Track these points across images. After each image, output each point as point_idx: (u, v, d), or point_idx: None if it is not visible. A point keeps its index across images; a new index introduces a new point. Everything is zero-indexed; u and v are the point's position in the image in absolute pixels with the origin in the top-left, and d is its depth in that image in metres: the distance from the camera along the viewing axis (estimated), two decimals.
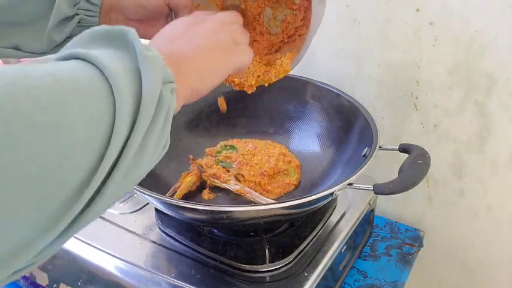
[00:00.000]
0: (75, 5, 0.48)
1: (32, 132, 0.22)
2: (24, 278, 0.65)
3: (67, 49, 0.29)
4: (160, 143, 0.30)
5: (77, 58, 0.27)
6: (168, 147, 0.32)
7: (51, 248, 0.25)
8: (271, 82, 0.53)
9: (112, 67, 0.27)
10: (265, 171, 0.66)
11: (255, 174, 0.66)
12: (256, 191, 0.64)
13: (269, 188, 0.66)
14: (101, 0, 0.49)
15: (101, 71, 0.26)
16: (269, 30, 0.56)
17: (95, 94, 0.25)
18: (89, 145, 0.24)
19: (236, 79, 0.53)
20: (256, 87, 0.54)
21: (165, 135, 0.31)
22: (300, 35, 0.55)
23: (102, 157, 0.25)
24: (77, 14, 0.48)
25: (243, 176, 0.66)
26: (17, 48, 0.48)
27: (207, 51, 0.39)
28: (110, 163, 0.25)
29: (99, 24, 0.51)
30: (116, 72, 0.27)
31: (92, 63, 0.27)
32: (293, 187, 0.68)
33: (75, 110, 0.24)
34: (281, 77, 0.52)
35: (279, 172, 0.68)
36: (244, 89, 0.53)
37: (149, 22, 0.53)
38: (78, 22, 0.49)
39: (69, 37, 0.49)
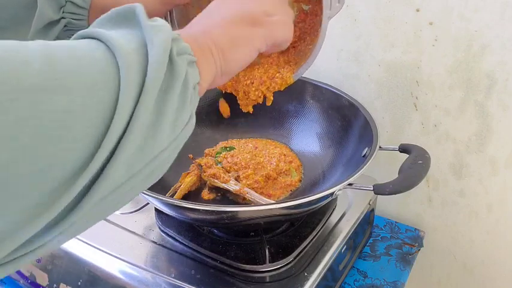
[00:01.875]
0: (60, 8, 0.45)
1: (21, 95, 0.20)
2: (24, 278, 0.65)
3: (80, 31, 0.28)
4: (181, 118, 0.28)
5: (82, 37, 0.27)
6: (194, 124, 0.29)
7: (42, 241, 0.22)
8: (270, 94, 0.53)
9: (115, 39, 0.25)
10: (266, 177, 0.66)
11: (257, 180, 0.65)
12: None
13: (271, 192, 0.65)
14: (89, 4, 0.46)
15: (105, 44, 0.25)
16: None
17: (96, 62, 0.24)
18: (89, 115, 0.22)
19: (230, 88, 0.53)
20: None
21: (186, 109, 0.28)
22: (294, 47, 0.55)
23: (106, 130, 0.23)
24: (63, 18, 0.46)
25: (245, 177, 0.66)
26: None
27: (228, 23, 0.35)
28: (116, 137, 0.23)
29: (87, 26, 0.48)
30: (119, 43, 0.25)
31: (96, 38, 0.26)
32: (294, 188, 0.68)
33: (73, 76, 0.22)
34: (283, 89, 0.52)
35: (280, 173, 0.68)
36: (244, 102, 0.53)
37: None
38: (65, 26, 0.46)
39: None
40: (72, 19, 0.46)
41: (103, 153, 0.23)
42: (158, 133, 0.26)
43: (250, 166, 0.66)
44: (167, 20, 0.53)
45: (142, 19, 0.27)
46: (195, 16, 0.53)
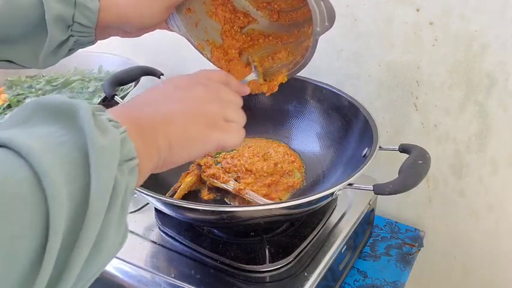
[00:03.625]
0: (68, 27, 0.46)
1: None
2: None
3: (1, 129, 0.25)
4: (118, 237, 0.26)
5: (4, 146, 0.23)
6: (127, 235, 0.28)
7: None
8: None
9: (46, 162, 0.22)
10: (268, 185, 0.65)
11: (258, 188, 0.65)
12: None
13: (273, 195, 0.65)
14: (95, 23, 0.47)
15: (32, 169, 0.22)
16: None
17: (19, 204, 0.21)
18: (6, 274, 0.20)
19: None
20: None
21: (123, 225, 0.27)
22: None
23: (30, 284, 0.21)
24: (72, 36, 0.47)
25: (246, 185, 0.65)
26: (10, 61, 0.47)
27: (186, 119, 0.34)
28: (48, 276, 0.22)
29: (95, 41, 0.50)
30: (50, 169, 0.22)
31: (22, 156, 0.22)
32: (296, 189, 0.67)
33: None
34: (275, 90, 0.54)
35: (283, 174, 0.68)
36: None
37: (149, 29, 0.53)
38: (74, 42, 0.48)
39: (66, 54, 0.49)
40: (80, 37, 0.48)
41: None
42: (94, 264, 0.25)
43: (253, 171, 0.66)
44: (171, 24, 0.53)
45: (88, 132, 0.24)
46: (196, 17, 0.53)
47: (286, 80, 0.53)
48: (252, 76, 0.52)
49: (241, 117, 0.41)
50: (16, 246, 0.21)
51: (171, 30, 0.55)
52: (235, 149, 0.71)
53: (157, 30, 0.54)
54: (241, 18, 0.58)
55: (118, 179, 0.25)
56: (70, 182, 0.23)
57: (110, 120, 0.27)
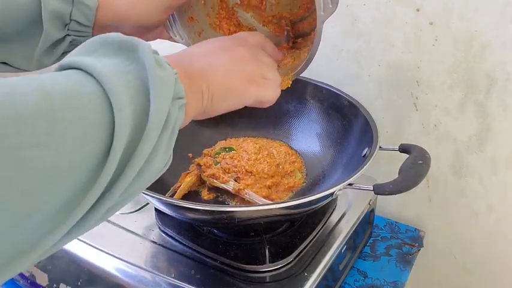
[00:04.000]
0: (65, 26, 0.46)
1: (7, 154, 0.21)
2: (24, 278, 0.65)
3: (72, 56, 0.28)
4: (164, 160, 0.30)
5: (78, 68, 0.26)
6: (170, 163, 0.31)
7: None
8: None
9: (114, 82, 0.25)
10: (268, 187, 0.65)
11: (261, 186, 0.65)
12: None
13: (273, 196, 0.65)
14: (92, 21, 0.47)
15: (101, 86, 0.25)
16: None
17: (89, 112, 0.24)
18: (77, 167, 0.23)
19: None
20: None
21: (169, 152, 0.30)
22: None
23: (95, 178, 0.24)
24: (68, 35, 0.47)
25: (246, 186, 0.65)
26: (5, 64, 0.47)
27: (229, 72, 0.38)
28: (103, 186, 0.25)
29: None
30: (117, 88, 0.25)
31: (92, 76, 0.26)
32: (297, 189, 0.67)
33: (62, 129, 0.23)
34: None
35: (285, 175, 0.68)
36: None
37: (148, 30, 0.53)
38: (70, 42, 0.47)
39: (61, 56, 0.49)
40: (77, 36, 0.48)
41: (94, 194, 0.24)
42: (141, 179, 0.28)
43: (253, 172, 0.66)
44: (173, 33, 0.53)
45: (148, 64, 0.27)
46: (197, 15, 0.53)
47: (294, 78, 0.53)
48: None
49: (276, 76, 0.44)
50: (86, 147, 0.24)
51: (174, 40, 0.54)
52: (234, 150, 0.71)
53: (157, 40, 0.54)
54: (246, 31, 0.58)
55: (170, 111, 0.28)
56: (133, 102, 0.26)
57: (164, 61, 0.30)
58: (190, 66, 0.35)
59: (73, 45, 0.48)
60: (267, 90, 0.41)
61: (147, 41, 0.50)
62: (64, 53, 0.48)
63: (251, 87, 0.40)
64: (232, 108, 0.39)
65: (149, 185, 0.30)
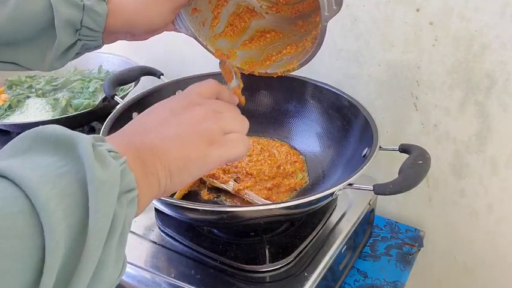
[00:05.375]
0: (76, 31, 0.47)
1: None
2: None
3: (0, 157, 0.25)
4: (116, 269, 0.26)
5: (3, 176, 0.23)
6: (125, 268, 0.28)
7: None
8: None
9: (44, 195, 0.22)
10: (269, 189, 0.65)
11: (261, 188, 0.65)
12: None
13: (274, 198, 0.65)
14: (102, 27, 0.47)
15: (29, 200, 0.22)
16: None
17: (14, 239, 0.21)
18: None
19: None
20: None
21: (121, 258, 0.27)
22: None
23: None
24: (79, 40, 0.47)
25: (246, 188, 0.65)
26: (15, 64, 0.47)
27: (183, 142, 0.34)
28: None
29: (101, 45, 0.50)
30: (48, 203, 0.22)
31: (19, 187, 0.22)
32: (298, 189, 0.67)
33: None
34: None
35: (285, 176, 0.68)
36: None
37: (157, 30, 0.53)
38: (82, 46, 0.48)
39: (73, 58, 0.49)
40: (87, 41, 0.48)
41: None
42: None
43: (253, 174, 0.65)
44: (178, 25, 0.53)
45: (88, 165, 0.24)
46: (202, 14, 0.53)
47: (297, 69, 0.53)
48: (233, 83, 0.52)
49: (240, 126, 0.40)
50: (9, 282, 0.20)
51: (179, 31, 0.55)
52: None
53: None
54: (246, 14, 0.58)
55: (117, 212, 0.25)
56: (68, 215, 0.23)
57: (109, 151, 0.27)
58: (142, 144, 0.32)
59: (84, 48, 0.49)
60: (231, 149, 0.37)
61: (154, 35, 0.50)
62: (77, 54, 0.49)
63: (213, 150, 0.35)
64: (197, 177, 0.36)
65: None
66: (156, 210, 0.65)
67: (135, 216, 0.29)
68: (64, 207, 0.23)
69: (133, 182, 0.28)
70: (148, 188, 0.31)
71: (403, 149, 0.57)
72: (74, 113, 0.87)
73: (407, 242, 0.75)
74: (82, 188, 0.24)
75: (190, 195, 0.66)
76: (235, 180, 0.65)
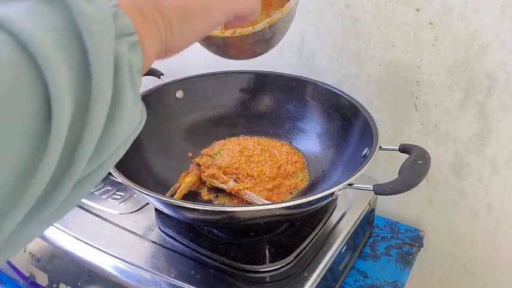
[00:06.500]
0: None
1: None
2: (24, 278, 0.65)
3: None
4: (136, 108, 0.25)
5: None
6: (145, 117, 0.26)
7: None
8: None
9: (24, 27, 0.20)
10: (270, 190, 0.65)
11: (261, 189, 0.65)
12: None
13: (274, 198, 0.65)
14: None
15: (12, 35, 0.20)
16: None
17: (5, 66, 0.19)
18: (14, 133, 0.19)
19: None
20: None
21: (138, 99, 0.25)
22: None
23: (42, 148, 0.20)
24: None
25: (246, 189, 0.65)
26: None
27: None
28: (55, 155, 0.20)
29: None
30: (31, 34, 0.19)
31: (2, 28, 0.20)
32: (299, 189, 0.67)
33: None
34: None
35: (286, 176, 0.68)
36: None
37: None
38: None
39: None
40: None
41: (48, 164, 0.20)
42: (115, 132, 0.23)
43: (254, 176, 0.65)
44: None
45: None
46: None
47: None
48: None
49: None
50: (20, 106, 0.19)
51: None
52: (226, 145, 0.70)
53: None
54: None
55: (118, 51, 0.23)
56: (62, 48, 0.20)
57: None
58: None
59: None
60: (238, 1, 0.32)
61: None
62: None
63: (216, 0, 0.31)
64: (201, 34, 0.31)
65: (125, 149, 0.25)
66: (156, 210, 0.65)
67: (144, 68, 0.26)
68: (53, 40, 0.20)
69: (130, 26, 0.25)
70: (150, 36, 0.27)
71: (403, 149, 0.57)
72: None
73: (407, 242, 0.75)
74: (71, 25, 0.21)
75: (190, 195, 0.66)
76: (235, 181, 0.65)
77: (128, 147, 0.26)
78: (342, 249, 0.61)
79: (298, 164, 0.70)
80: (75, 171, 0.21)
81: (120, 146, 0.24)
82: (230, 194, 0.65)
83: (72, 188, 0.22)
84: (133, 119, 0.25)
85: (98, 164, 0.23)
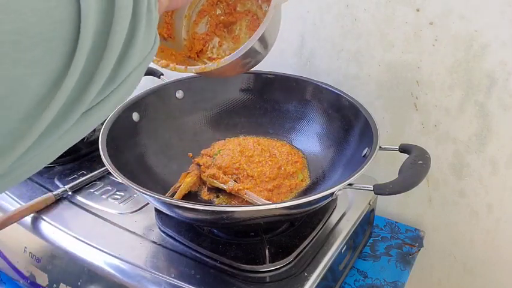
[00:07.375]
0: None
1: None
2: (24, 278, 0.65)
3: None
4: (149, 37, 0.27)
5: None
6: (158, 44, 0.28)
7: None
8: None
9: None
10: (270, 190, 0.65)
11: (261, 189, 0.65)
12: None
13: (274, 199, 0.65)
14: None
15: None
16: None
17: None
18: (42, 39, 0.20)
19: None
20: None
21: (153, 31, 0.27)
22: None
23: (71, 54, 0.21)
24: None
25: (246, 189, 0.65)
26: None
27: None
28: (78, 70, 0.22)
29: None
30: None
31: None
32: (299, 189, 0.67)
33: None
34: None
35: (286, 177, 0.68)
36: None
37: None
38: None
39: None
40: None
41: (71, 78, 0.22)
42: (131, 54, 0.25)
43: (254, 176, 0.65)
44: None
45: None
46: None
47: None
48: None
49: None
50: (52, 13, 0.20)
51: None
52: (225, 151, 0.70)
53: None
54: None
55: None
56: None
57: None
58: None
59: None
60: None
61: None
62: None
63: None
64: None
65: (139, 79, 0.27)
66: (156, 210, 0.65)
67: (156, 8, 0.28)
68: None
69: None
70: None
71: (403, 149, 0.57)
72: None
73: (407, 242, 0.75)
74: None
75: (190, 195, 0.66)
76: (235, 181, 0.65)
77: (138, 80, 0.28)
78: (342, 249, 0.61)
79: (298, 164, 0.70)
80: (94, 89, 0.23)
81: (130, 73, 0.26)
82: (230, 194, 0.65)
83: (81, 116, 0.23)
84: (146, 43, 0.27)
85: (109, 91, 0.25)
